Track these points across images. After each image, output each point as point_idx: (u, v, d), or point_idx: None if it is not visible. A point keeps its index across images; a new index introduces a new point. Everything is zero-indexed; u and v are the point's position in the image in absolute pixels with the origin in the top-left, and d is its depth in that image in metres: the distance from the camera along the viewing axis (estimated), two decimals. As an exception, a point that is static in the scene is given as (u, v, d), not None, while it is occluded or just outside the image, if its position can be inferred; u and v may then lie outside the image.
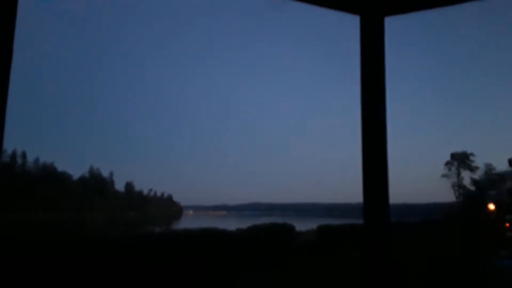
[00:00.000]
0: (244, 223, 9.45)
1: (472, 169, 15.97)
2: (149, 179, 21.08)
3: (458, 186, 16.20)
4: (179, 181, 21.23)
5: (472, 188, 15.73)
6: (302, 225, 10.38)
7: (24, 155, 16.25)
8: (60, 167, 17.08)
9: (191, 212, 20.80)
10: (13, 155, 15.80)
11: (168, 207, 20.14)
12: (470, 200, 15.20)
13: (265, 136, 22.32)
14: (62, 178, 16.34)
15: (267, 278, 7.34)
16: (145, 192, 19.95)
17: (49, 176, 15.85)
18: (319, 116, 22.09)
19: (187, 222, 18.12)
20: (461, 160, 16.21)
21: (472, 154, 16.05)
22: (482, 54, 17.90)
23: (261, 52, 22.08)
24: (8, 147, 15.06)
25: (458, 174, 16.26)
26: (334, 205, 19.12)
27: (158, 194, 20.42)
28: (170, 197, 20.71)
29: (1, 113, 1.71)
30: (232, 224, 10.08)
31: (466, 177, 16.13)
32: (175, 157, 21.75)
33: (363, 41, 2.26)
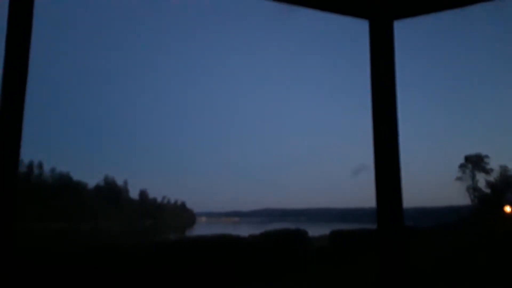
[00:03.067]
0: (257, 229, 9.45)
1: (487, 172, 15.69)
2: (163, 186, 21.12)
3: (473, 189, 15.91)
4: (192, 188, 21.25)
5: (487, 190, 15.45)
6: (315, 231, 10.32)
7: (40, 165, 16.50)
8: (75, 177, 17.27)
9: (204, 219, 20.80)
10: (30, 165, 16.06)
11: (181, 215, 20.20)
12: (485, 203, 14.95)
13: (276, 142, 22.18)
14: (77, 187, 16.54)
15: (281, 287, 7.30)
16: (159, 199, 20.02)
17: (65, 186, 16.06)
18: (330, 121, 21.89)
19: (200, 229, 18.15)
20: (475, 162, 15.93)
21: (486, 156, 15.77)
22: (495, 55, 17.65)
23: (271, 58, 21.97)
24: (25, 157, 15.32)
25: (473, 176, 15.97)
26: (347, 210, 18.90)
27: (172, 201, 20.48)
28: (183, 204, 20.75)
29: (18, 125, 1.77)
30: (245, 231, 10.08)
31: (481, 179, 15.84)
32: (187, 164, 21.78)
33: (373, 46, 2.27)
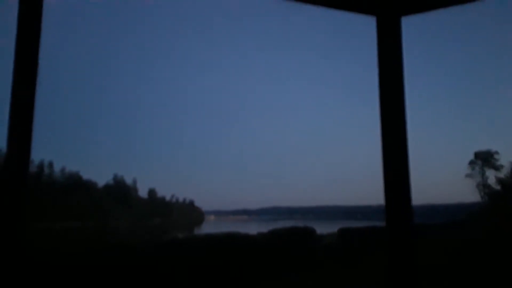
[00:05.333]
0: (265, 227, 9.47)
1: (497, 168, 15.51)
2: (171, 185, 21.22)
3: (483, 185, 15.76)
4: (200, 186, 21.34)
5: (498, 187, 15.29)
6: (323, 228, 10.32)
7: (51, 165, 16.68)
8: (85, 176, 17.43)
9: (212, 217, 20.86)
10: (41, 165, 16.24)
11: (190, 213, 20.29)
12: (495, 200, 14.80)
13: (283, 139, 22.16)
14: (87, 186, 16.70)
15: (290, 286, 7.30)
16: (168, 198, 20.14)
17: (75, 185, 16.22)
18: (337, 118, 21.81)
19: (209, 227, 18.23)
20: (485, 159, 15.76)
21: (496, 153, 15.60)
22: (505, 50, 17.42)
23: (275, 56, 21.92)
24: (36, 157, 15.49)
25: (483, 173, 15.81)
26: (355, 207, 18.84)
27: (180, 200, 20.58)
28: (192, 203, 20.84)
29: (28, 125, 1.80)
30: (253, 228, 10.11)
31: (491, 176, 15.68)
32: (196, 162, 21.87)
33: (380, 43, 2.26)
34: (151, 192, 20.09)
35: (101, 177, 19.25)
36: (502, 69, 17.61)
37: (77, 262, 6.20)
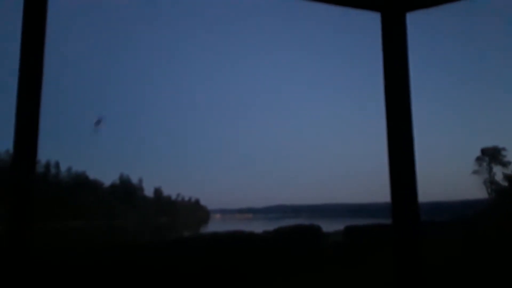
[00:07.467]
0: (270, 226, 9.48)
1: (504, 164, 15.39)
2: (177, 184, 21.31)
3: (490, 182, 15.65)
4: (205, 185, 21.40)
5: (505, 184, 15.19)
6: (329, 226, 10.30)
7: (57, 165, 16.81)
8: (91, 176, 17.56)
9: (218, 215, 20.90)
10: (47, 165, 16.36)
11: (195, 212, 20.34)
12: (502, 196, 14.70)
13: (289, 138, 22.15)
14: (94, 186, 16.81)
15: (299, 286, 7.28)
16: (173, 197, 20.20)
17: (82, 185, 16.33)
18: (342, 115, 21.76)
19: (214, 226, 18.27)
20: (492, 155, 15.65)
21: (504, 149, 15.48)
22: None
23: (278, 55, 21.90)
24: (42, 157, 15.62)
25: (490, 170, 15.70)
26: (361, 205, 18.79)
27: (186, 198, 20.63)
28: (197, 201, 20.89)
29: (35, 126, 1.80)
30: (258, 227, 10.12)
31: (498, 172, 15.57)
32: (201, 161, 21.92)
33: (385, 39, 2.25)
34: (157, 191, 20.18)
35: (107, 177, 19.38)
36: (510, 64, 17.43)
37: (83, 262, 6.24)
